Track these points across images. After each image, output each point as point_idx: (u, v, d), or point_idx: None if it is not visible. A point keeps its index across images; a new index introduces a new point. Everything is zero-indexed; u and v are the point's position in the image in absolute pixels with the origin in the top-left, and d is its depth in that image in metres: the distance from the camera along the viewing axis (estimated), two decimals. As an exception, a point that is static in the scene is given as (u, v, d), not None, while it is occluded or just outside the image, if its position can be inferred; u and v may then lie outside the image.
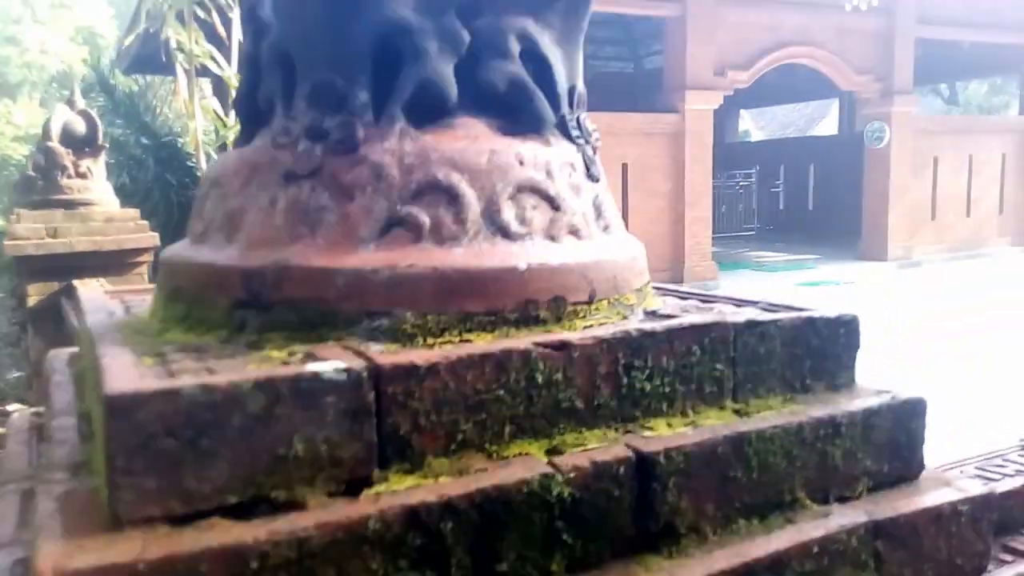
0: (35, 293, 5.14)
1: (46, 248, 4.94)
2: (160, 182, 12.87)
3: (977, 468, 2.09)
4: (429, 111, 1.02)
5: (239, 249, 0.98)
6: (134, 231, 5.20)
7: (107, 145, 5.33)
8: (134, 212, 5.34)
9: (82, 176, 5.16)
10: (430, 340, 0.91)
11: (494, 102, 1.07)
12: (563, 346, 0.90)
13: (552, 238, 1.03)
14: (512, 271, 0.97)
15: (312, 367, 0.77)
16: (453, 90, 1.03)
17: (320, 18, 1.00)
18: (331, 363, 0.78)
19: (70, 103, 5.40)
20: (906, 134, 14.62)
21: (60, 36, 21.84)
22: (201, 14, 5.84)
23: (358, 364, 0.79)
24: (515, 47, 1.07)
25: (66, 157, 5.11)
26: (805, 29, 13.51)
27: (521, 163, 1.03)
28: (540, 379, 0.88)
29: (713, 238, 18.72)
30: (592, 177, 1.13)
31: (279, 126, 1.02)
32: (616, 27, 19.20)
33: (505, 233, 0.99)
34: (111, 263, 5.11)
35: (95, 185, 5.24)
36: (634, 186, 12.84)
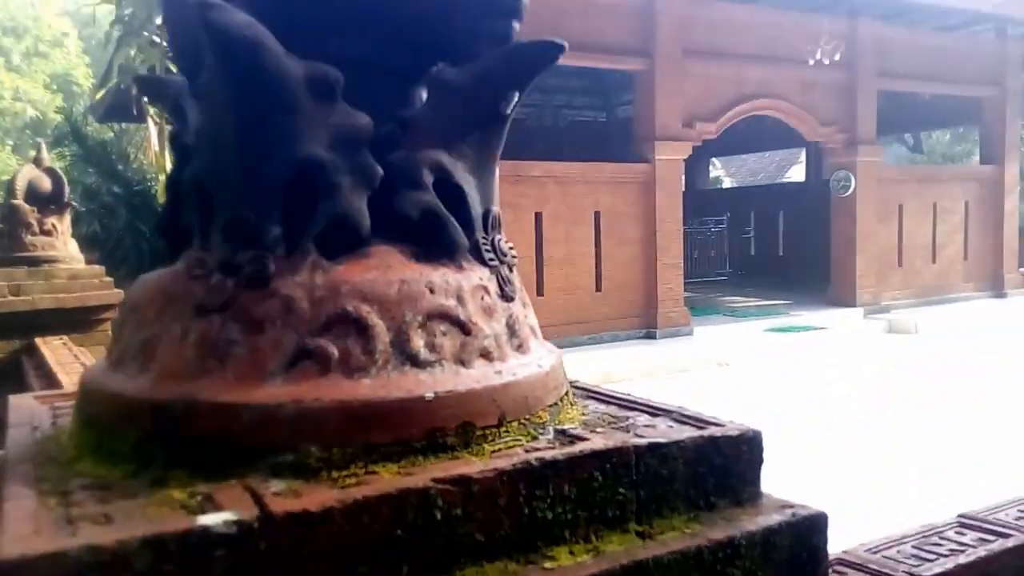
0: (-5, 351, 5.10)
1: (8, 306, 4.93)
2: (131, 230, 12.86)
3: (914, 547, 2.12)
4: (343, 243, 1.06)
5: (150, 380, 1.00)
6: (98, 288, 5.19)
7: (73, 203, 5.34)
8: (99, 269, 5.33)
9: (47, 233, 5.16)
10: (335, 474, 0.94)
11: (409, 231, 1.11)
12: (462, 481, 0.93)
13: (462, 363, 1.06)
14: (419, 400, 1.00)
15: (202, 520, 0.79)
16: (366, 222, 1.07)
17: (235, 155, 1.04)
18: (221, 515, 0.80)
19: (36, 160, 5.42)
20: (871, 183, 14.99)
21: (35, 83, 21.87)
22: (174, 68, 5.88)
23: (250, 514, 0.81)
24: (428, 178, 1.11)
25: (31, 215, 5.11)
26: (769, 82, 13.89)
27: (432, 291, 1.07)
28: (439, 516, 0.91)
29: (686, 283, 18.93)
30: (506, 297, 1.17)
31: (195, 257, 1.05)
32: (589, 77, 19.57)
33: (414, 361, 1.02)
34: (75, 320, 5.10)
35: (60, 242, 5.25)
36: (607, 234, 13.02)
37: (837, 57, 13.22)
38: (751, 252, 21.20)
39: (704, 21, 13.37)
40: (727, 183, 29.40)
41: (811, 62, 13.29)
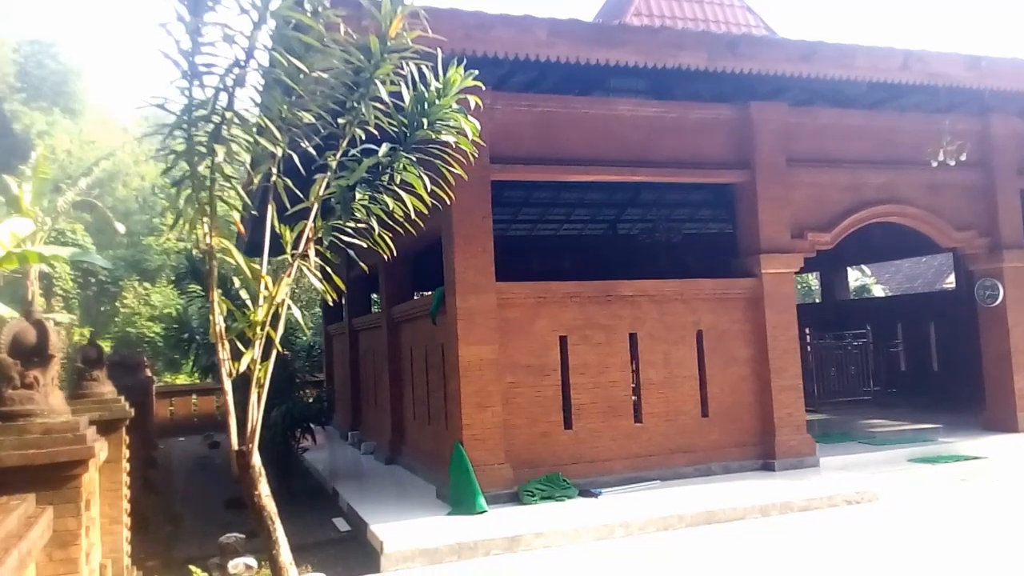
0: (-40, 514, 5.01)
1: (-27, 464, 4.75)
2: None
3: None
4: None
5: None
6: (70, 443, 5.07)
7: (56, 354, 5.33)
8: (75, 421, 5.23)
9: (28, 387, 5.16)
10: None
11: None
12: None
13: None
14: None
15: None
16: None
17: None
18: None
19: (27, 314, 5.53)
20: (1022, 291, 13.05)
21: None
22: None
23: None
24: None
25: (13, 368, 5.14)
26: (890, 187, 12.64)
27: None
28: None
29: (823, 404, 17.13)
30: None
31: None
32: (707, 190, 18.87)
33: None
34: (42, 478, 4.97)
35: (40, 395, 5.23)
36: (712, 354, 11.95)
37: (963, 158, 11.87)
38: (901, 368, 19.04)
39: (809, 129, 12.50)
40: (878, 291, 26.98)
41: (934, 164, 12.02)
